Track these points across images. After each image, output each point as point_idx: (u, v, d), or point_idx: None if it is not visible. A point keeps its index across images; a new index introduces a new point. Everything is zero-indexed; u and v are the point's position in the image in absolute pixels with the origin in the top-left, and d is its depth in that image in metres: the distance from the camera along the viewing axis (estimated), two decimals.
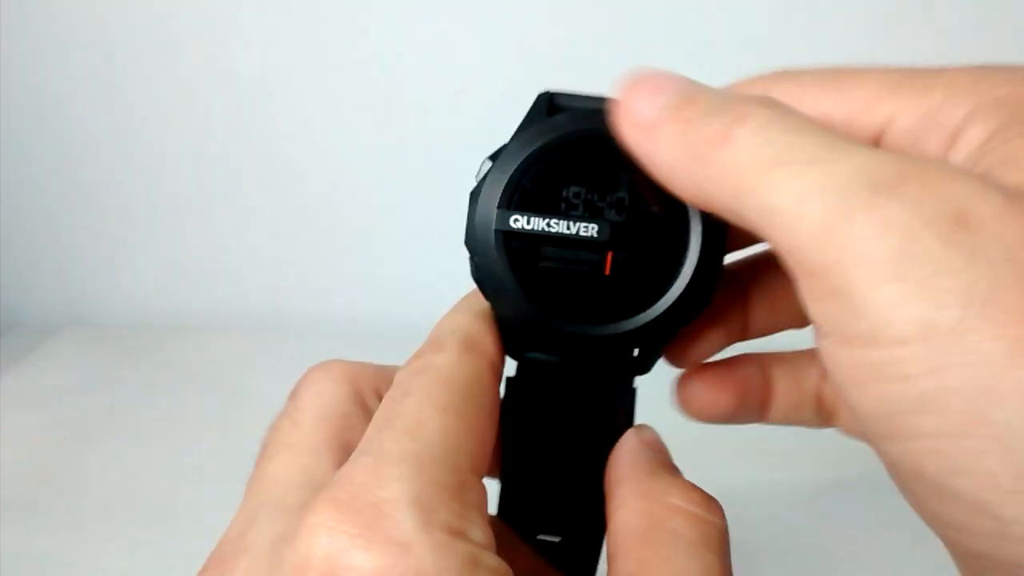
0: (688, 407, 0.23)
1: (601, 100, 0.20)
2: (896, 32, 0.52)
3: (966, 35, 0.51)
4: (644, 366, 0.21)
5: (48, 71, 0.60)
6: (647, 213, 0.19)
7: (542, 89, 0.21)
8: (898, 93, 0.18)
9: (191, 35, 0.58)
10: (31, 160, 0.63)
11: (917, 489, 0.15)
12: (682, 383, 0.23)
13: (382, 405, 0.18)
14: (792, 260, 0.15)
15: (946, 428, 0.13)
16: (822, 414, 0.24)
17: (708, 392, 0.23)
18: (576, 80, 0.60)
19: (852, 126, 0.18)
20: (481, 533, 0.16)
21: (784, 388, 0.23)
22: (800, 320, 0.23)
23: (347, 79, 0.58)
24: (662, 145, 0.17)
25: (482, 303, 0.21)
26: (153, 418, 0.52)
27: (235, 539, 0.18)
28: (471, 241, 0.20)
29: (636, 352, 0.21)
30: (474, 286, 0.20)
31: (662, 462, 0.20)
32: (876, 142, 0.18)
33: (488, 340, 0.20)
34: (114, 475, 0.47)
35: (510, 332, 0.20)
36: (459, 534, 0.15)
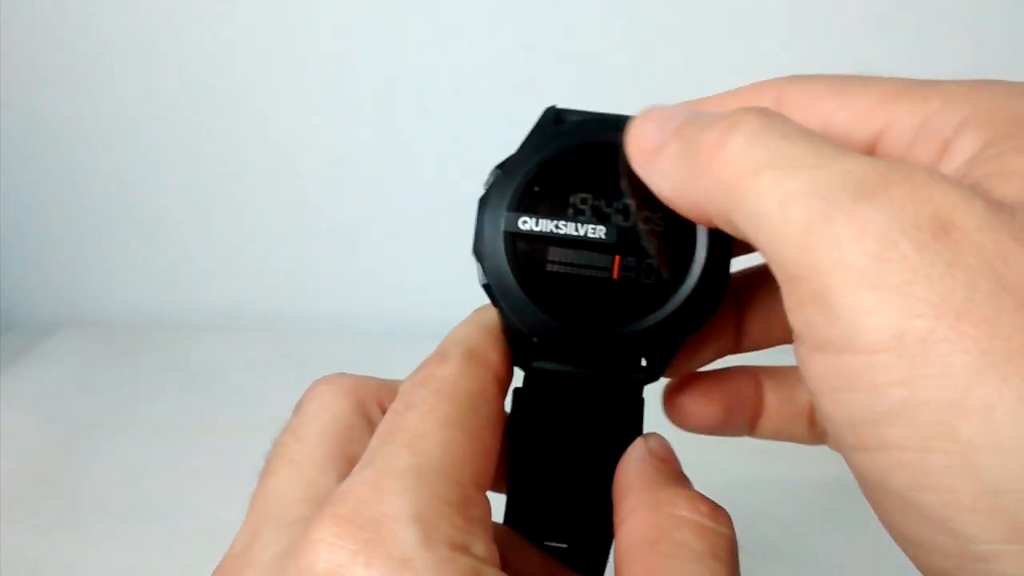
0: (675, 415, 0.23)
1: (606, 114, 0.20)
2: (896, 32, 0.52)
3: (966, 36, 0.51)
4: (653, 374, 0.21)
5: (48, 71, 0.60)
6: (653, 219, 0.19)
7: (548, 103, 0.21)
8: (897, 101, 0.18)
9: (191, 35, 0.58)
10: (30, 161, 0.63)
11: (883, 502, 0.15)
12: (670, 391, 0.23)
13: (385, 418, 0.18)
14: (775, 264, 0.15)
15: (912, 441, 0.13)
16: (814, 430, 0.23)
17: (696, 402, 0.23)
18: (576, 80, 0.61)
19: (852, 131, 0.18)
20: (484, 548, 0.16)
21: (776, 402, 0.23)
22: (805, 438, 0.24)
23: (347, 79, 0.58)
24: (665, 163, 0.17)
25: (490, 317, 0.21)
26: (153, 418, 0.52)
27: (238, 554, 0.18)
28: (479, 245, 0.20)
29: (644, 360, 0.21)
30: (481, 301, 0.21)
31: (670, 472, 0.20)
32: (873, 148, 0.18)
33: (493, 352, 0.20)
34: (114, 475, 0.47)
35: (517, 340, 0.20)
36: (461, 549, 0.15)
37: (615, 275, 0.19)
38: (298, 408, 0.21)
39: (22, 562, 0.40)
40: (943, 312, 0.13)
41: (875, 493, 0.15)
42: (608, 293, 0.19)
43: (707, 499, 0.19)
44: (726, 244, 0.19)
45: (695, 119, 0.17)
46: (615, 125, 0.19)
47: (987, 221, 0.13)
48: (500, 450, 0.19)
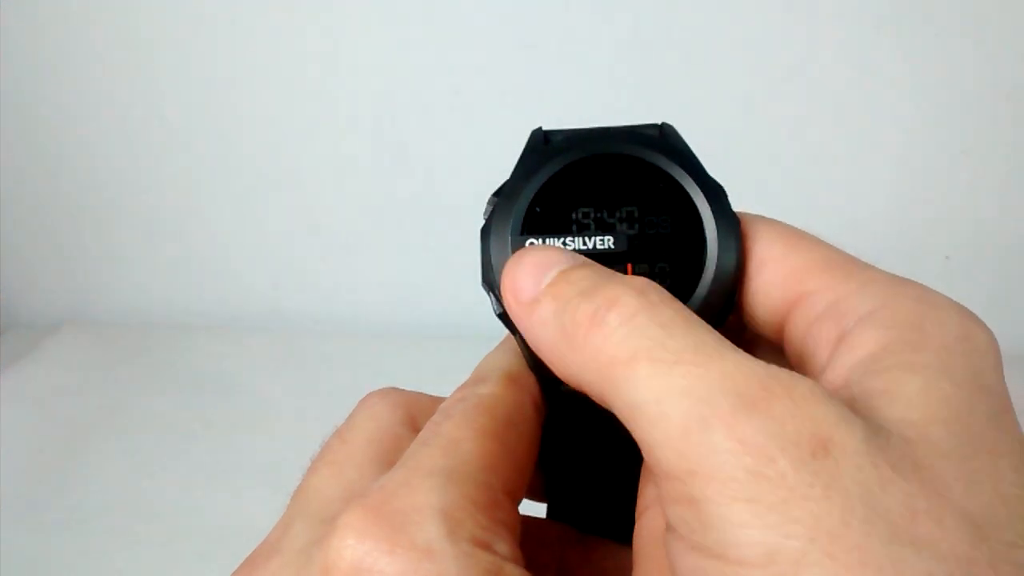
0: None
1: (591, 129, 0.20)
2: (895, 32, 0.52)
3: (965, 36, 0.51)
4: None
5: (48, 71, 0.60)
6: (660, 223, 0.19)
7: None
8: (824, 272, 0.18)
9: (191, 36, 0.58)
10: (31, 160, 0.63)
11: None
12: None
13: (424, 428, 0.18)
14: (651, 459, 0.15)
15: None
16: None
17: None
18: (577, 80, 0.60)
19: (779, 285, 0.18)
20: (508, 548, 0.16)
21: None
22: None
23: (347, 79, 0.58)
24: (538, 324, 0.17)
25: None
26: (153, 418, 0.52)
27: (270, 544, 0.18)
28: (488, 275, 0.20)
29: None
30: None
31: None
32: (791, 308, 0.18)
33: (530, 377, 0.20)
34: (114, 475, 0.47)
35: (539, 366, 0.20)
36: (485, 546, 0.16)
37: None
38: (349, 417, 0.22)
39: (22, 562, 0.40)
40: (817, 535, 0.13)
41: None
42: None
43: None
44: (735, 239, 0.19)
45: (570, 275, 0.17)
46: (602, 137, 0.19)
47: (866, 445, 0.13)
48: (533, 469, 0.19)
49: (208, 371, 0.57)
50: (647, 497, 0.19)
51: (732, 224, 0.19)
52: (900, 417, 0.14)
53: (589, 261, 0.18)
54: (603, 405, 0.16)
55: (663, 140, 0.20)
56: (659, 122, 0.20)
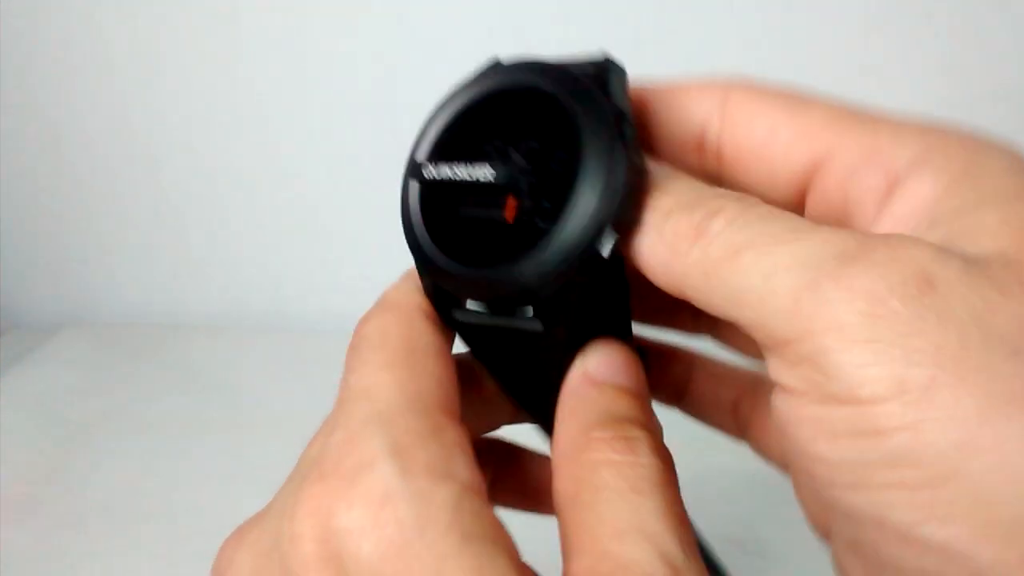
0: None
1: (531, 60, 0.20)
2: (894, 32, 0.52)
3: (965, 35, 0.51)
4: (546, 325, 0.19)
5: (48, 71, 0.60)
6: (559, 160, 0.18)
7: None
8: (844, 125, 0.18)
9: (191, 35, 0.58)
10: (30, 160, 0.63)
11: (880, 538, 0.15)
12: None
13: (338, 394, 0.18)
14: (761, 334, 0.15)
15: (919, 480, 0.13)
16: (737, 426, 0.24)
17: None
18: None
19: (793, 149, 0.18)
20: (466, 472, 0.16)
21: (702, 391, 0.24)
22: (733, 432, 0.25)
23: (347, 79, 0.58)
24: (644, 241, 0.17)
25: (410, 272, 0.21)
26: (153, 418, 0.52)
27: (265, 508, 0.19)
28: (402, 199, 0.20)
29: (531, 310, 0.19)
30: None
31: (601, 400, 0.19)
32: (812, 171, 0.18)
33: (413, 294, 0.20)
34: (114, 475, 0.47)
35: (434, 291, 0.20)
36: (443, 476, 0.16)
37: (509, 219, 0.18)
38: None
39: (22, 562, 0.40)
40: (941, 360, 0.13)
41: (869, 530, 0.15)
42: (503, 237, 0.18)
43: (626, 427, 0.18)
44: (617, 185, 0.17)
45: (668, 188, 0.17)
46: (533, 69, 0.19)
47: (967, 275, 0.14)
48: (456, 376, 0.19)
49: (208, 371, 0.57)
50: (555, 458, 0.18)
51: (616, 167, 0.17)
52: (991, 249, 0.15)
53: (678, 175, 0.18)
54: (708, 310, 0.16)
55: (593, 77, 0.19)
56: (601, 58, 0.19)
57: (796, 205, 0.19)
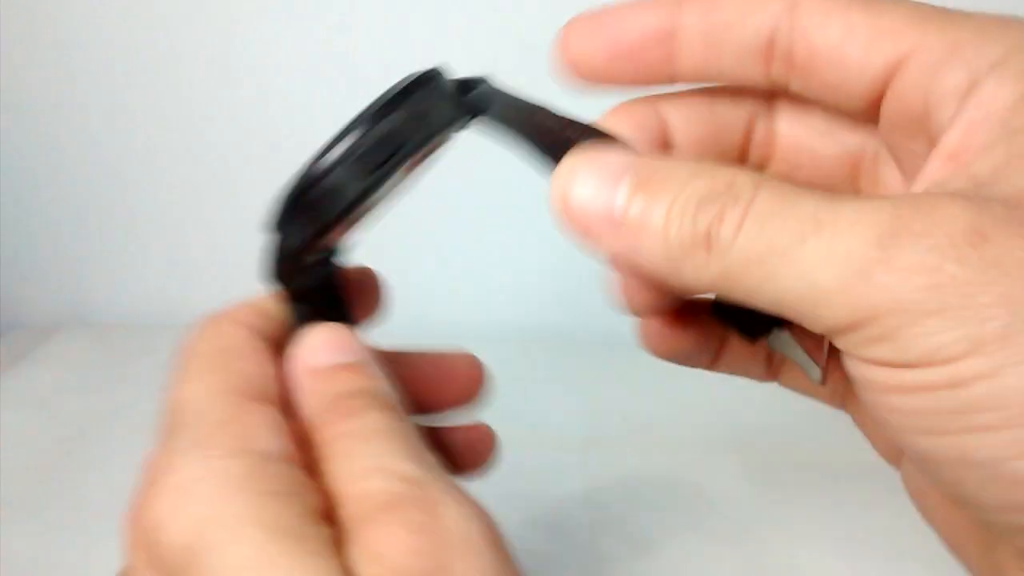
0: (648, 342, 0.24)
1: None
2: None
3: None
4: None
5: (48, 71, 0.60)
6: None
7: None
8: (926, 23, 0.17)
9: (191, 35, 0.58)
10: (31, 160, 0.63)
11: (964, 477, 0.15)
12: (648, 320, 0.24)
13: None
14: (823, 327, 0.15)
15: (1002, 421, 0.14)
16: (770, 370, 0.25)
17: (671, 333, 0.23)
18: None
19: (873, 49, 0.17)
20: (265, 442, 0.18)
21: (738, 343, 0.24)
22: (833, 401, 0.24)
23: (347, 79, 0.58)
24: (647, 242, 0.16)
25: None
26: (153, 418, 0.52)
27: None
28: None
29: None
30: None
31: (318, 389, 0.20)
32: (893, 70, 0.17)
33: (230, 309, 0.22)
34: (114, 475, 0.46)
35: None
36: (242, 452, 0.17)
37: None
38: None
39: (22, 562, 0.40)
40: (1014, 308, 0.13)
41: (952, 470, 0.15)
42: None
43: (347, 400, 0.19)
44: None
45: (662, 177, 0.16)
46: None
47: (1012, 218, 0.14)
48: (274, 368, 0.20)
49: None
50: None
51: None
52: None
53: (657, 156, 0.18)
54: (748, 302, 0.16)
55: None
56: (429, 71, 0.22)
57: (868, 110, 0.18)
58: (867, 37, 0.17)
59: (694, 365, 0.24)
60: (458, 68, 0.22)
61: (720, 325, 0.24)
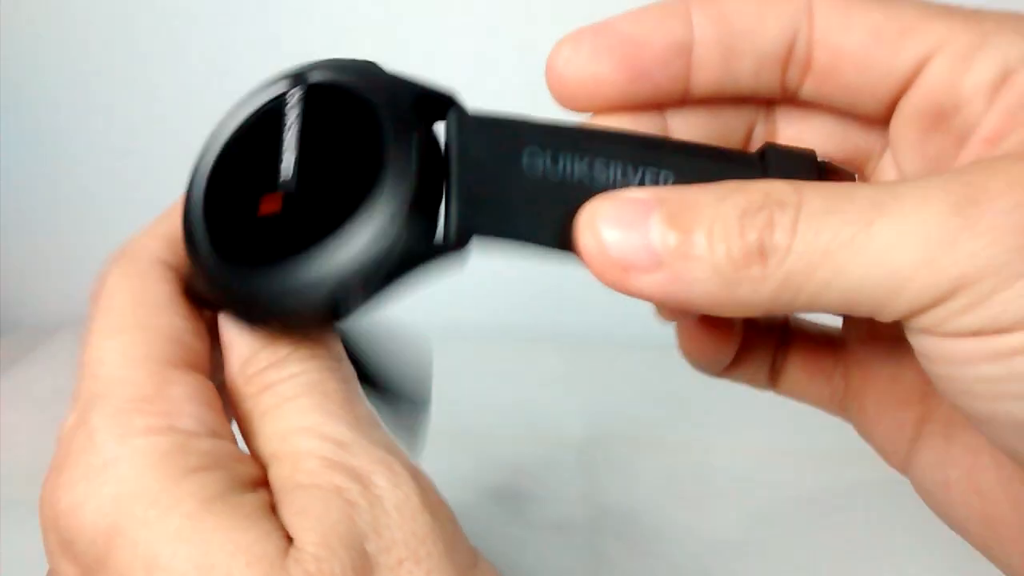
0: (689, 352, 0.23)
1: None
2: None
3: None
4: None
5: (48, 71, 0.60)
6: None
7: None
8: (948, 19, 0.17)
9: (191, 35, 0.58)
10: (30, 161, 0.63)
11: None
12: (684, 328, 0.23)
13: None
14: (903, 311, 0.15)
15: None
16: (772, 379, 0.24)
17: (708, 341, 0.23)
18: None
19: (902, 45, 0.17)
20: (192, 419, 0.17)
21: (752, 347, 0.24)
22: (831, 406, 0.24)
23: None
24: (695, 271, 0.15)
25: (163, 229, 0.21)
26: None
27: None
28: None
29: None
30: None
31: (239, 345, 0.19)
32: (921, 65, 0.17)
33: (148, 240, 0.20)
34: None
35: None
36: (164, 430, 0.16)
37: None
38: None
39: (22, 562, 0.40)
40: None
41: (1019, 432, 0.15)
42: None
43: (270, 350, 0.18)
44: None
45: (689, 204, 0.15)
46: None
47: None
48: (196, 322, 0.19)
49: None
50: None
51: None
52: None
53: (675, 188, 0.16)
54: (817, 312, 0.16)
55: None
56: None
57: (884, 114, 0.18)
58: (893, 35, 0.17)
59: (711, 371, 0.24)
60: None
61: (776, 332, 0.23)
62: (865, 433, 0.23)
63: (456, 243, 0.17)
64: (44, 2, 0.57)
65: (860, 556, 0.39)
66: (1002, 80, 0.16)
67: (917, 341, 0.16)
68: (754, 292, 0.15)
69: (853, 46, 0.17)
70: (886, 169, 0.20)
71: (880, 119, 0.19)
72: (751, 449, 0.46)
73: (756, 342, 0.23)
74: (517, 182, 0.17)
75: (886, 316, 0.15)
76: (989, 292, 0.14)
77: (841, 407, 0.24)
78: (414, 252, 0.16)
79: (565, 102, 0.19)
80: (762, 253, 0.15)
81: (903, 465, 0.22)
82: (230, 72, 0.59)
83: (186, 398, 0.17)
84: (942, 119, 0.17)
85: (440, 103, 0.18)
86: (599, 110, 0.19)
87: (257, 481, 0.17)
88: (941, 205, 0.14)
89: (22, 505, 0.44)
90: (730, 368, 0.24)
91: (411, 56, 0.56)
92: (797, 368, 0.24)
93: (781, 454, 0.46)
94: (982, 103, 0.16)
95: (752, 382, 0.24)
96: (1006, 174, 0.14)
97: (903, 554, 0.38)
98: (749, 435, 0.48)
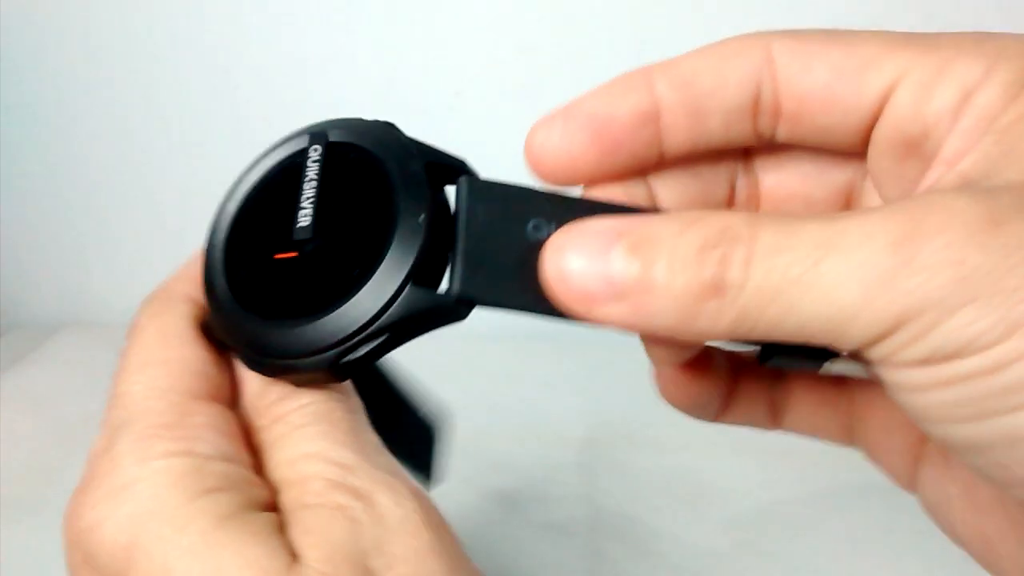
0: (666, 392, 0.23)
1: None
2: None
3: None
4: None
5: (48, 71, 0.60)
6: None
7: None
8: (906, 48, 0.17)
9: (191, 35, 0.58)
10: (30, 160, 0.63)
11: (1011, 457, 0.15)
12: (667, 368, 0.23)
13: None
14: (854, 344, 0.15)
15: None
16: (773, 418, 0.24)
17: (690, 386, 0.23)
18: (575, 80, 0.60)
19: (863, 79, 0.17)
20: (210, 445, 0.18)
21: (745, 392, 0.24)
22: (842, 437, 0.23)
23: (347, 80, 0.58)
24: (655, 302, 0.16)
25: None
26: None
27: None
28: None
29: None
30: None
31: (251, 384, 0.20)
32: (886, 96, 0.18)
33: (176, 282, 0.22)
34: None
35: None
36: (182, 454, 0.17)
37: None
38: None
39: (22, 562, 0.40)
40: None
41: (1003, 452, 0.15)
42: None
43: (277, 388, 0.19)
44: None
45: (649, 235, 0.16)
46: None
47: (1021, 207, 0.14)
48: (216, 355, 0.20)
49: None
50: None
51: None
52: None
53: (633, 217, 0.16)
54: (770, 339, 0.16)
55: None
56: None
57: (859, 144, 0.18)
58: (854, 71, 0.17)
59: (703, 416, 0.24)
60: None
61: (770, 371, 0.23)
62: (875, 459, 0.23)
63: (456, 309, 0.18)
64: (44, 2, 0.57)
65: (859, 556, 0.39)
66: (963, 102, 0.17)
67: (875, 370, 0.16)
68: (713, 323, 0.16)
69: (817, 86, 0.18)
70: (871, 197, 0.20)
71: (857, 151, 0.19)
72: (751, 450, 0.46)
73: (746, 383, 0.23)
74: (521, 252, 0.17)
75: (842, 347, 0.16)
76: (931, 325, 0.14)
77: (850, 436, 0.24)
78: (416, 317, 0.17)
79: (546, 178, 0.19)
80: (718, 288, 0.15)
81: (911, 485, 0.22)
82: (230, 72, 0.59)
83: (205, 426, 0.18)
84: (913, 146, 0.18)
85: (451, 169, 0.20)
86: (580, 183, 0.19)
87: (268, 504, 0.18)
88: (881, 242, 0.14)
89: (22, 504, 0.44)
90: (723, 413, 0.24)
91: (411, 56, 0.56)
92: (801, 402, 0.24)
93: (781, 455, 0.46)
94: (946, 127, 0.17)
95: (752, 423, 0.24)
96: (943, 209, 0.14)
97: (902, 553, 0.38)
98: (749, 436, 0.47)
